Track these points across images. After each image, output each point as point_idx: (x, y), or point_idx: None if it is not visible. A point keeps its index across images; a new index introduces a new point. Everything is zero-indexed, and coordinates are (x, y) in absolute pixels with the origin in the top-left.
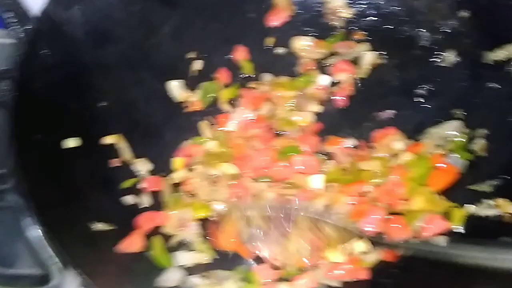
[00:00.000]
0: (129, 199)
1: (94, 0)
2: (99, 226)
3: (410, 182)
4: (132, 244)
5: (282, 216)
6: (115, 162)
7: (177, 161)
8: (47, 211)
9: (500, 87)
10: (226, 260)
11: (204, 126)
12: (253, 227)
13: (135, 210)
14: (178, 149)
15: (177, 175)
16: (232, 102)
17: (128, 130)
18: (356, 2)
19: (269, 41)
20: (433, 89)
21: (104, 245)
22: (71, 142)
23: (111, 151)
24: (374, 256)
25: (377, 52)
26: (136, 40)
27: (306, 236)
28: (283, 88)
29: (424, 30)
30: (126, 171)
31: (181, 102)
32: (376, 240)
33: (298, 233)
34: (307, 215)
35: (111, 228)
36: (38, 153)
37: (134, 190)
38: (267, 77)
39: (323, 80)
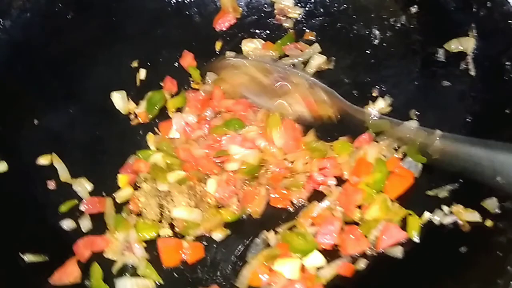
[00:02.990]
0: (66, 224)
1: (18, 13)
2: (30, 257)
3: (366, 188)
4: (67, 274)
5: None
6: (50, 184)
7: (121, 179)
8: None
9: (452, 85)
10: (172, 285)
11: (149, 139)
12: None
13: (72, 236)
14: (122, 165)
15: (121, 194)
16: (180, 111)
17: (65, 149)
18: (304, 1)
19: (217, 45)
20: (384, 89)
21: (35, 279)
22: None
23: (46, 172)
24: (330, 271)
25: (327, 54)
26: (70, 50)
27: (303, 95)
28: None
29: (374, 28)
30: (63, 193)
31: (125, 114)
32: None
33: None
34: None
35: (43, 259)
36: None
37: (72, 214)
38: (211, 76)
39: None
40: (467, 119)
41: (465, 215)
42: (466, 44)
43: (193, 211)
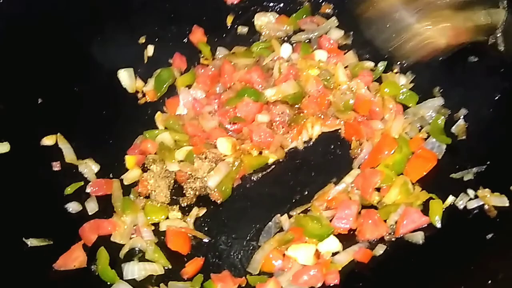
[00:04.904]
0: (72, 207)
1: None
2: (33, 242)
3: (386, 170)
4: (72, 259)
5: None
6: (55, 166)
7: (129, 160)
8: None
9: (480, 61)
10: (181, 270)
11: (158, 118)
12: None
13: (77, 219)
14: (130, 146)
15: (129, 176)
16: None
17: (70, 129)
18: None
19: (229, 19)
20: (406, 65)
21: (40, 263)
22: None
23: (50, 153)
24: (346, 257)
25: (344, 28)
26: (74, 25)
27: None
28: (238, 57)
29: None
30: (69, 175)
31: (132, 93)
32: None
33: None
34: None
35: (47, 243)
36: None
37: (78, 196)
38: (222, 51)
39: (285, 49)
40: (496, 97)
41: (492, 200)
42: (496, 16)
43: (221, 167)
